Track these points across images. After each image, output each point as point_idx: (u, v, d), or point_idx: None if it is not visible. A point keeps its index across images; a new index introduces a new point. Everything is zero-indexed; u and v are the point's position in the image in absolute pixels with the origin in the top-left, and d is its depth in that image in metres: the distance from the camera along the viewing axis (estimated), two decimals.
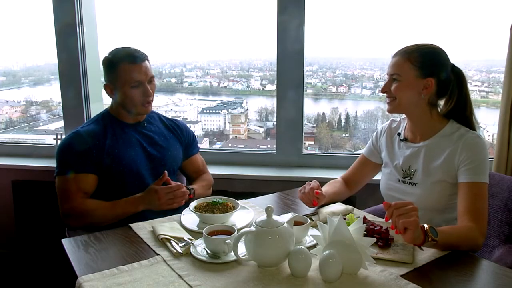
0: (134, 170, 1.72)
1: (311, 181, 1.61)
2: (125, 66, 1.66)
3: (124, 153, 1.71)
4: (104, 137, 1.71)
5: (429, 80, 1.48)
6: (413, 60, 1.47)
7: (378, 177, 1.78)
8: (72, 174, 1.64)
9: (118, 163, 1.69)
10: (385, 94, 1.55)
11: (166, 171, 1.66)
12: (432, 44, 1.51)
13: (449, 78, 1.51)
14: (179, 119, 2.11)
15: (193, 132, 2.01)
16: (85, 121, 2.66)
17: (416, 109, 1.53)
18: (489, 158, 2.29)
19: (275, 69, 2.57)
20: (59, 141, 2.75)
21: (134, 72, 1.67)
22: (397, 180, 1.61)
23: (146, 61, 1.71)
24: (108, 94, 1.75)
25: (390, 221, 1.20)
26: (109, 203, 1.63)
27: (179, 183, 1.66)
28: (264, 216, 1.18)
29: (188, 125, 2.04)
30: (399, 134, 1.66)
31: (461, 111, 1.53)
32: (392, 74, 1.51)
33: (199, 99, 3.20)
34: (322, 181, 2.39)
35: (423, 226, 1.20)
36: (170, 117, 1.99)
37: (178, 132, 1.92)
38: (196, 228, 1.44)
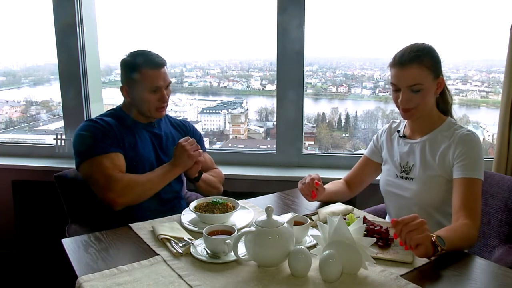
0: (147, 167, 1.72)
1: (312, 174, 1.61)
2: (146, 71, 1.68)
3: (139, 148, 1.71)
4: (120, 128, 1.70)
5: (440, 79, 1.49)
6: (428, 65, 1.44)
7: (378, 177, 1.78)
8: (101, 154, 1.59)
9: (133, 157, 1.68)
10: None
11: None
12: (424, 43, 1.50)
13: None
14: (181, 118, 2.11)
15: (200, 133, 2.03)
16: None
17: (429, 108, 1.53)
18: (489, 158, 2.31)
19: (275, 69, 2.57)
20: (59, 141, 2.75)
21: (155, 77, 1.68)
22: (396, 176, 1.62)
23: (165, 67, 1.73)
24: (123, 96, 1.76)
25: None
26: (148, 173, 1.66)
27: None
28: (264, 216, 1.18)
29: None
30: (398, 131, 1.67)
31: (444, 94, 1.56)
32: (412, 85, 1.45)
33: (199, 99, 3.20)
34: (322, 181, 2.40)
35: (432, 237, 1.19)
36: (177, 118, 2.00)
37: (186, 131, 1.93)
38: (196, 228, 1.44)
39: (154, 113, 1.75)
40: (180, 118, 2.05)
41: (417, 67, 1.44)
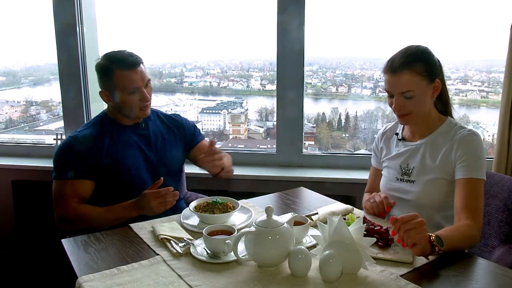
0: (133, 173, 1.71)
1: (378, 195, 1.57)
2: (121, 72, 1.63)
3: (123, 156, 1.71)
4: (102, 140, 1.70)
5: (436, 82, 1.47)
6: (420, 71, 1.42)
7: None
8: (68, 179, 1.64)
9: (117, 166, 1.69)
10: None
11: (162, 178, 1.61)
12: (418, 46, 1.48)
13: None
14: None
15: (193, 122, 2.00)
16: (85, 121, 2.68)
17: (426, 112, 1.52)
18: (489, 158, 2.31)
19: (275, 69, 2.57)
20: (59, 141, 2.75)
21: (131, 78, 1.64)
22: (396, 179, 1.61)
23: (141, 65, 1.68)
24: (104, 101, 1.73)
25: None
26: (104, 208, 1.61)
27: (169, 187, 1.58)
28: (264, 216, 1.18)
29: None
30: (396, 134, 1.67)
31: (442, 96, 1.54)
32: (403, 92, 1.44)
33: (199, 99, 3.20)
34: (322, 181, 2.41)
35: (430, 236, 1.19)
36: (168, 113, 1.97)
37: (178, 127, 1.90)
38: (196, 228, 1.44)
39: (139, 113, 1.72)
40: (171, 112, 2.00)
41: (408, 73, 1.42)
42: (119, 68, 1.64)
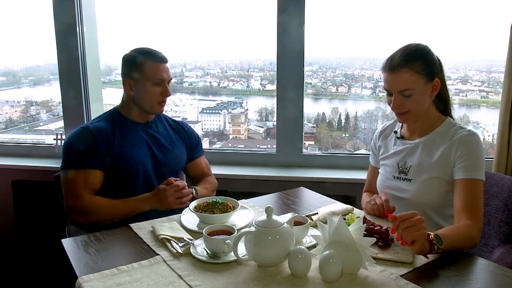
0: (140, 169, 1.73)
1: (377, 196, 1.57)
2: (151, 63, 1.71)
3: (131, 152, 1.72)
4: (113, 134, 1.72)
5: (435, 81, 1.47)
6: (418, 70, 1.42)
7: None
8: (79, 169, 1.64)
9: (125, 161, 1.70)
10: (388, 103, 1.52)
11: (171, 178, 1.66)
12: (418, 44, 1.48)
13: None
14: (180, 119, 2.11)
15: (198, 135, 2.03)
16: (85, 121, 2.68)
17: (425, 111, 1.52)
18: (489, 158, 2.31)
19: (275, 69, 2.57)
20: (59, 141, 2.76)
21: (159, 70, 1.72)
22: (393, 177, 1.61)
23: (167, 64, 1.77)
24: (126, 90, 1.77)
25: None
26: (119, 201, 1.64)
27: (183, 182, 1.67)
28: (264, 216, 1.18)
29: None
30: (395, 132, 1.67)
31: (442, 95, 1.54)
32: (402, 90, 1.44)
33: (199, 99, 3.20)
34: (322, 181, 2.41)
35: (429, 235, 1.19)
36: (176, 119, 2.01)
37: (184, 134, 1.94)
38: (196, 228, 1.44)
39: (156, 107, 1.76)
40: (179, 119, 2.05)
41: (407, 71, 1.42)
42: (150, 60, 1.72)
